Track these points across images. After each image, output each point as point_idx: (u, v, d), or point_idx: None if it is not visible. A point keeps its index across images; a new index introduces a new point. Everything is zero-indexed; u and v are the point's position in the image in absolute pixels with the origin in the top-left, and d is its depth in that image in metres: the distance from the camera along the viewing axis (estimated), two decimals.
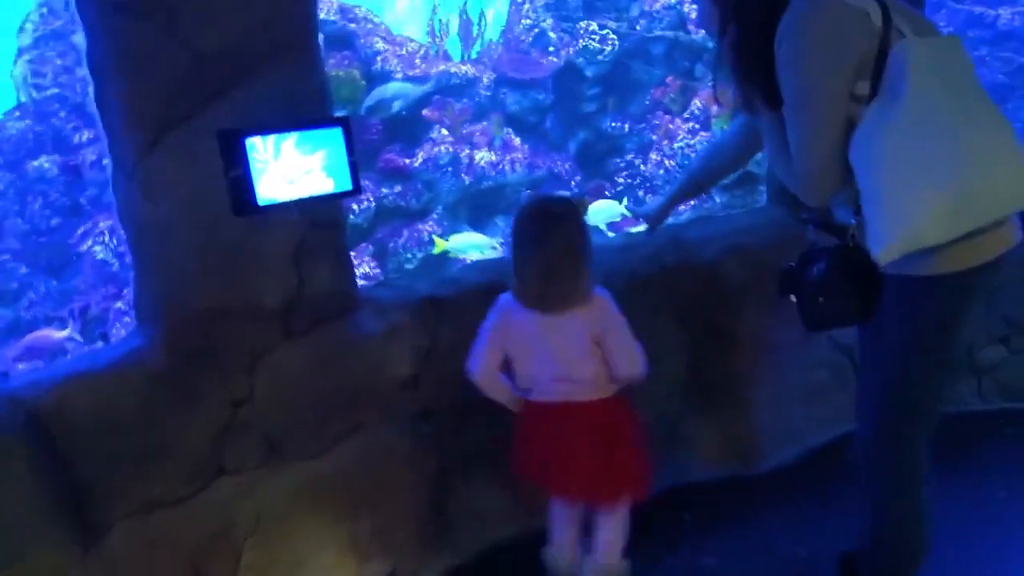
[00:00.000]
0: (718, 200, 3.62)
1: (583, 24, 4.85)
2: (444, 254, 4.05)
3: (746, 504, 2.90)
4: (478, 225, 4.44)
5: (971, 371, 3.26)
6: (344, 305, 2.42)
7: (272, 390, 2.33)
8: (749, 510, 2.88)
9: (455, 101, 4.76)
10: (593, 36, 4.70)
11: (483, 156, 4.67)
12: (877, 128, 1.56)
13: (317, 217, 2.27)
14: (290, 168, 2.09)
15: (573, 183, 4.35)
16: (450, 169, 4.63)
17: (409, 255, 4.12)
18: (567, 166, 4.61)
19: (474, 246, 3.99)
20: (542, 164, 4.50)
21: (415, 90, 4.55)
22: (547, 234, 2.06)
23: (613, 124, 4.66)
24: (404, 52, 4.87)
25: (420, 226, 4.45)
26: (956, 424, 3.25)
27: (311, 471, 2.44)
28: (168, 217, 2.11)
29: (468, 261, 3.63)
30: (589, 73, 4.75)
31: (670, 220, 2.62)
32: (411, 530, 2.67)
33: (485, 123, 4.78)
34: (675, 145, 3.94)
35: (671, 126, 3.96)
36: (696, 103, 3.98)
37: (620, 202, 3.89)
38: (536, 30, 4.88)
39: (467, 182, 4.62)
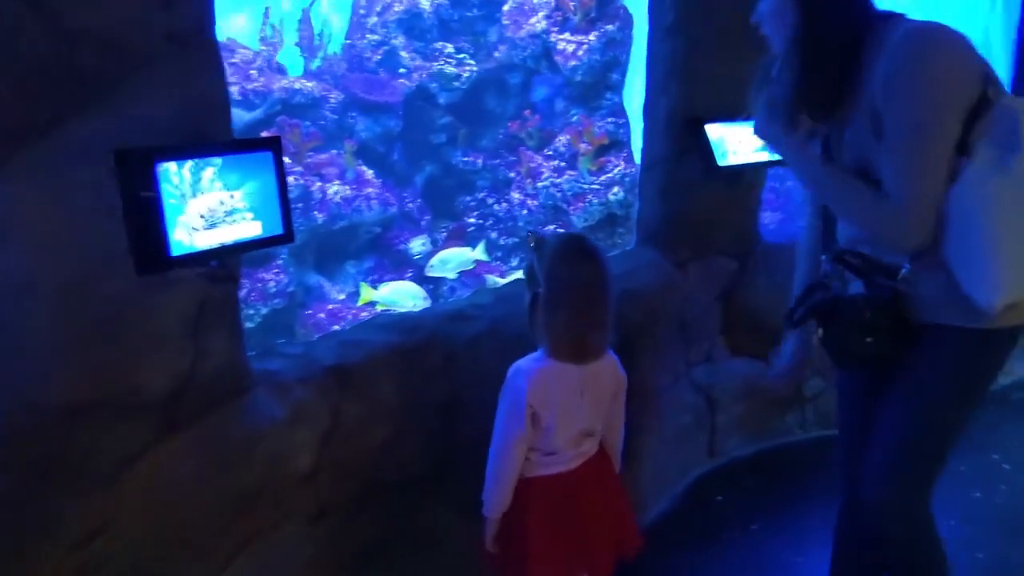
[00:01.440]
0: None
1: (438, 45, 4.40)
2: (370, 304, 3.38)
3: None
4: (326, 271, 3.77)
5: (797, 402, 3.48)
6: (238, 384, 1.85)
7: (145, 507, 1.69)
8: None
9: (300, 123, 4.04)
10: (449, 60, 4.30)
11: (336, 190, 3.99)
12: (991, 176, 1.53)
13: (218, 268, 1.70)
14: (211, 206, 1.53)
15: (423, 222, 3.91)
16: (300, 205, 3.87)
17: (252, 310, 3.35)
18: (416, 203, 4.15)
19: (409, 295, 3.38)
20: (393, 200, 3.98)
21: (244, 116, 3.74)
22: (590, 275, 1.81)
23: (465, 159, 4.27)
24: (236, 60, 4.03)
25: (263, 275, 3.66)
26: (783, 454, 3.48)
27: None
28: (18, 270, 1.43)
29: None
30: (442, 100, 4.33)
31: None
32: None
33: (335, 151, 4.11)
34: (539, 184, 3.70)
35: (532, 164, 3.72)
36: (560, 139, 3.80)
37: (473, 249, 3.57)
38: (385, 47, 4.34)
39: (320, 220, 3.90)
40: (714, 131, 2.83)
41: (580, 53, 3.64)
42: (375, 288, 3.49)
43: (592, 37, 3.64)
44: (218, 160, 1.53)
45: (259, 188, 1.61)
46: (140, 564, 1.70)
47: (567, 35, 3.69)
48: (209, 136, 1.61)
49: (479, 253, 3.45)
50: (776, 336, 3.38)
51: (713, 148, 2.79)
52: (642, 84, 2.93)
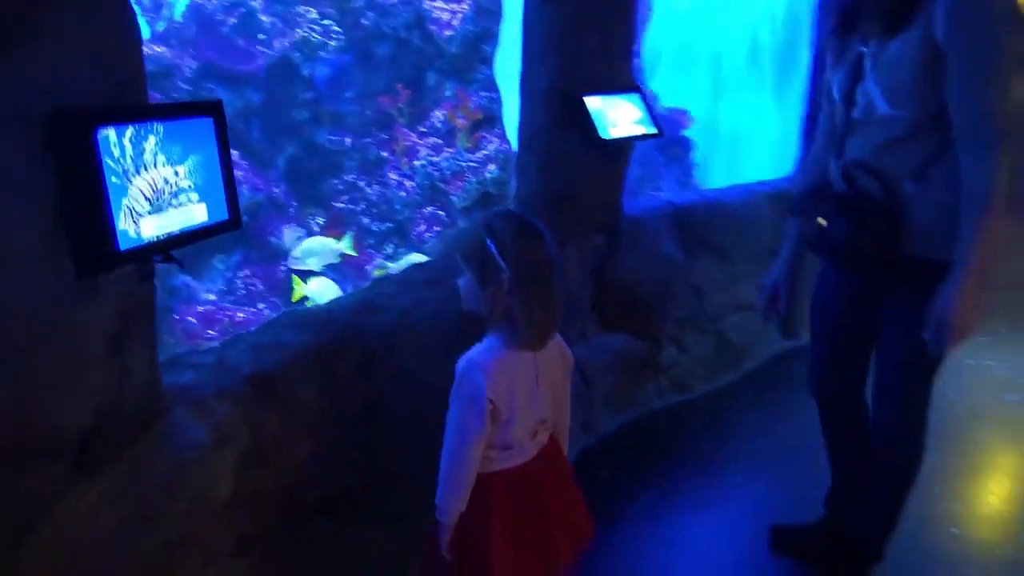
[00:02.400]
0: (460, 223, 3.25)
1: (302, 10, 3.82)
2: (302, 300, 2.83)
3: None
4: (191, 269, 3.13)
5: (653, 373, 3.58)
6: (155, 406, 1.51)
7: (62, 563, 1.33)
8: None
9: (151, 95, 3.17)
10: (314, 27, 3.76)
11: None
12: None
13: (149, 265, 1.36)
14: (157, 185, 1.20)
15: (291, 210, 3.39)
16: None
17: None
18: (281, 188, 3.62)
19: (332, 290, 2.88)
20: (261, 185, 3.39)
21: None
22: (545, 253, 1.69)
23: (331, 137, 3.76)
24: None
25: None
26: (648, 424, 3.58)
27: None
28: None
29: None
30: (306, 72, 3.77)
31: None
32: None
33: None
34: (416, 163, 3.35)
35: (407, 142, 3.35)
36: (437, 115, 3.46)
37: (339, 240, 3.18)
38: (242, 10, 3.69)
39: None
40: (592, 104, 2.79)
41: (455, 23, 3.42)
42: (305, 282, 3.05)
43: (465, 6, 3.43)
44: (160, 127, 1.20)
45: (202, 163, 1.30)
46: None
47: (440, 2, 3.45)
48: (130, 98, 1.26)
49: (345, 245, 3.12)
50: (643, 310, 3.48)
51: (595, 121, 2.75)
52: (513, 57, 2.82)
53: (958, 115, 1.80)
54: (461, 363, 1.72)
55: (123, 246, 1.12)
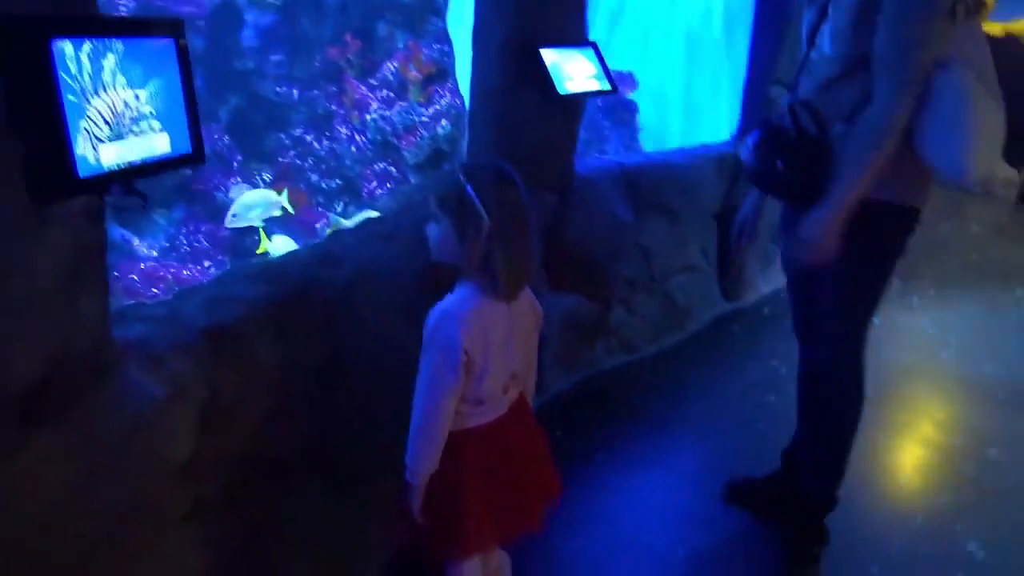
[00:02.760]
0: (412, 180, 3.12)
1: None
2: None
3: None
4: (131, 224, 2.87)
5: (602, 333, 3.57)
6: (105, 359, 1.39)
7: (4, 527, 1.21)
8: None
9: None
10: None
11: None
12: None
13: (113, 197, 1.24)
14: (117, 108, 1.09)
15: (235, 164, 3.16)
16: None
17: None
18: (224, 141, 3.38)
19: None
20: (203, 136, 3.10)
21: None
22: (524, 201, 1.63)
23: (278, 89, 3.47)
24: None
25: None
26: (597, 383, 3.57)
27: None
28: None
29: None
30: (250, 18, 3.46)
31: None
32: None
33: None
34: (367, 117, 3.17)
35: (357, 95, 3.15)
36: (389, 66, 3.26)
37: (279, 193, 2.99)
38: None
39: None
40: (548, 57, 2.72)
41: None
42: (270, 239, 2.85)
43: None
44: (120, 45, 1.08)
45: (164, 89, 1.18)
46: None
47: None
48: (80, 10, 1.13)
49: (284, 199, 2.95)
50: (594, 270, 3.45)
51: (552, 75, 2.68)
52: (466, 8, 2.72)
53: (875, 55, 1.88)
54: (434, 314, 1.64)
55: (82, 173, 1.01)
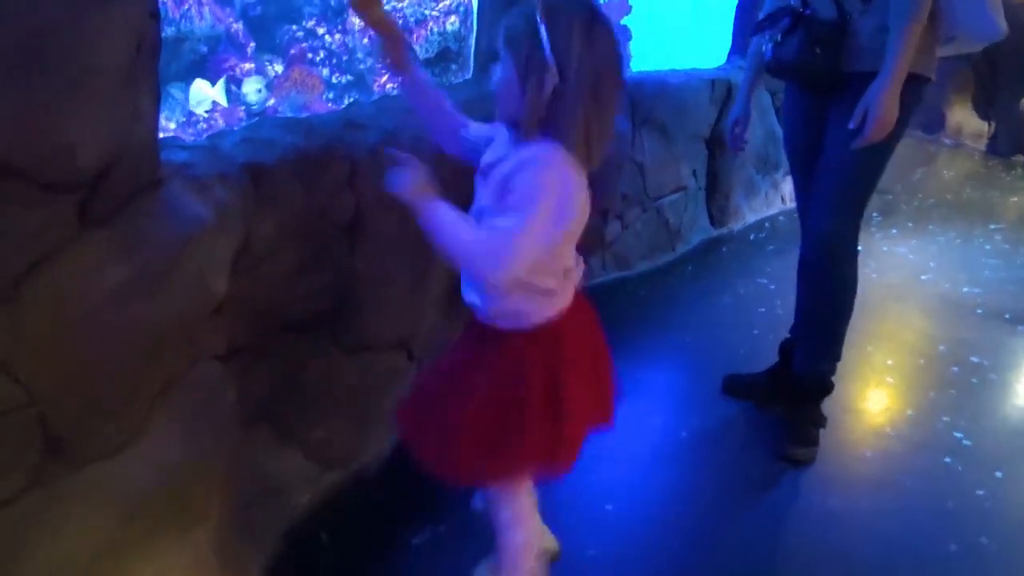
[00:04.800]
0: None
1: None
2: None
3: None
4: None
5: (598, 246, 3.62)
6: (152, 171, 1.38)
7: (54, 328, 1.20)
8: None
9: None
10: None
11: None
12: None
13: None
14: None
15: (249, 49, 3.07)
16: None
17: None
18: (239, 26, 3.21)
19: None
20: (222, 16, 3.00)
21: None
22: (617, 56, 1.37)
23: None
24: None
25: None
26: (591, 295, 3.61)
27: (119, 475, 1.37)
28: None
29: None
30: None
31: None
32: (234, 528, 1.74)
33: None
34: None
35: None
36: None
37: (213, 85, 2.95)
38: None
39: None
40: None
41: None
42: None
43: None
44: None
45: None
46: (45, 420, 1.22)
47: None
48: None
49: (219, 93, 2.85)
50: (594, 181, 3.47)
51: None
52: None
53: None
54: (537, 154, 1.34)
55: None
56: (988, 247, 4.57)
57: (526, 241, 1.33)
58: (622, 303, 3.51)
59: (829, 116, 2.28)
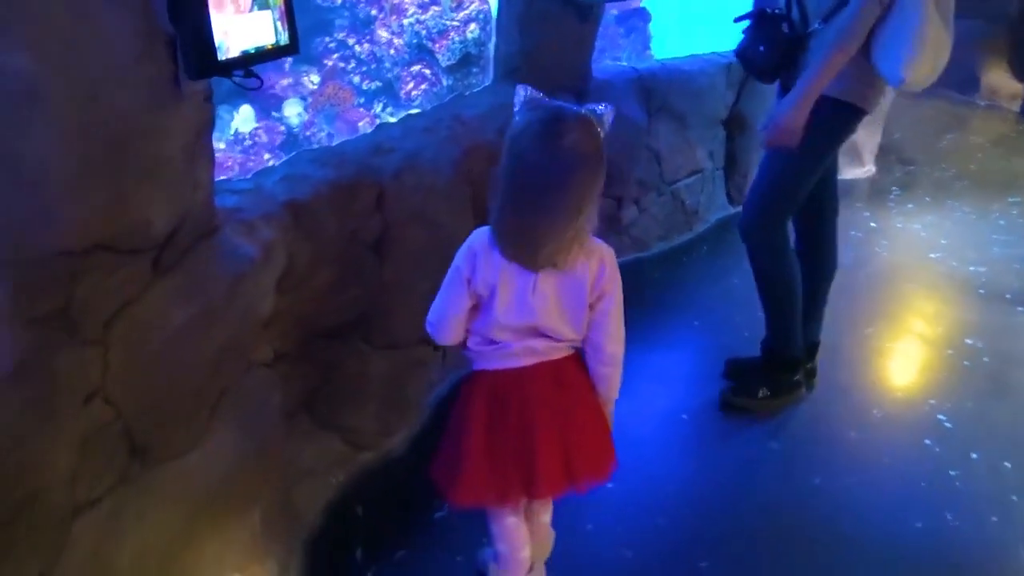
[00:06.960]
0: (445, 82, 3.31)
1: None
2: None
3: None
4: None
5: (615, 230, 3.82)
6: (210, 222, 1.65)
7: (131, 365, 1.49)
8: None
9: None
10: None
11: None
12: None
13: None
14: (239, 5, 1.31)
15: (287, 65, 3.34)
16: None
17: None
18: None
19: None
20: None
21: None
22: (564, 168, 1.57)
23: None
24: None
25: None
26: None
27: (188, 472, 1.67)
28: (19, 75, 1.12)
29: None
30: None
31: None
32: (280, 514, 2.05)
33: None
34: (404, 22, 3.34)
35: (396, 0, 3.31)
36: None
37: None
38: None
39: None
40: None
41: None
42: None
43: None
44: None
45: None
46: (130, 431, 1.52)
47: None
48: None
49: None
50: (609, 170, 3.66)
51: None
52: None
53: None
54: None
55: (220, 56, 1.24)
56: (1003, 222, 4.66)
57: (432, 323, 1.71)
58: (639, 284, 3.71)
59: None
